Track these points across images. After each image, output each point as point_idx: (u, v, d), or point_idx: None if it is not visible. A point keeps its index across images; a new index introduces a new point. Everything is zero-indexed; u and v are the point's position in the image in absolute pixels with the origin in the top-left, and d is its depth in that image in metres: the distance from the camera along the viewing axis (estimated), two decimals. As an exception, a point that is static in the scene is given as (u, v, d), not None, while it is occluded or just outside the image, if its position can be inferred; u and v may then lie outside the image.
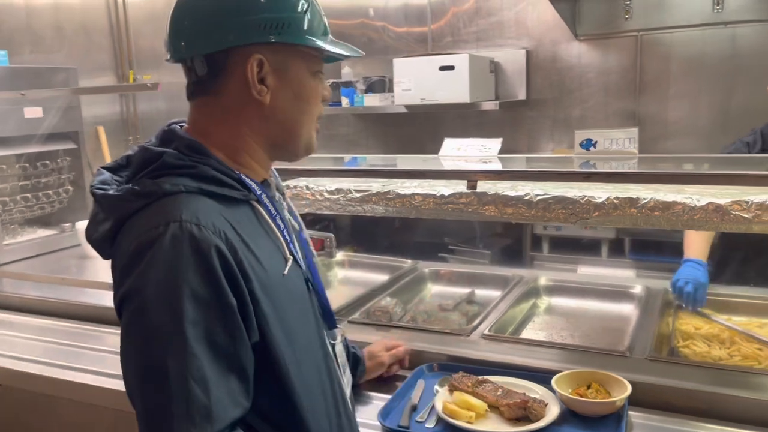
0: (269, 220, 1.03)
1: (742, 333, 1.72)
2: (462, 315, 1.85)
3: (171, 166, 0.96)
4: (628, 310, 1.94)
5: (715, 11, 2.92)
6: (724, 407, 1.32)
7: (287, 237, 1.06)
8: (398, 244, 3.57)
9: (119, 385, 1.60)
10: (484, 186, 1.69)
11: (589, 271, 3.12)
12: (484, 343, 1.65)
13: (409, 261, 2.34)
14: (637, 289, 1.99)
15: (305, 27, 1.00)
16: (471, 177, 1.60)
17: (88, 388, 1.64)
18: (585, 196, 1.56)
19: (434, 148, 4.00)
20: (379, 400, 1.45)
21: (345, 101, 3.82)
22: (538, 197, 1.60)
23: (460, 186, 1.70)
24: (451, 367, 1.52)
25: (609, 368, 1.43)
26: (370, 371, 1.51)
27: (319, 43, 1.02)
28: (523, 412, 1.29)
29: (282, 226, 1.06)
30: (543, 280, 2.12)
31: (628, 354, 1.54)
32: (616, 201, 1.52)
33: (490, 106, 3.49)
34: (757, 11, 3.19)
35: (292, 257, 1.04)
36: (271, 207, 1.05)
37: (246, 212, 1.00)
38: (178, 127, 1.05)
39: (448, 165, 1.86)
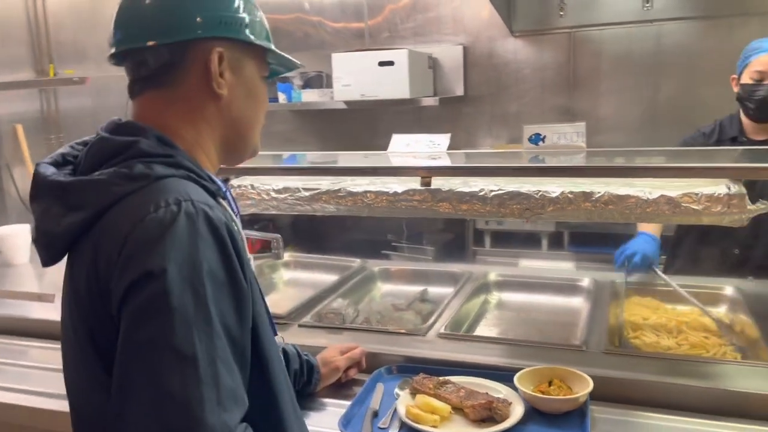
0: (235, 218, 1.00)
1: (695, 305, 1.79)
2: (416, 314, 1.82)
3: (148, 153, 0.90)
4: (577, 302, 1.96)
5: (645, 9, 3.00)
6: (679, 397, 1.34)
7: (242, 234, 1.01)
8: (341, 242, 3.51)
9: (48, 404, 1.50)
10: (437, 182, 1.66)
11: (531, 264, 3.17)
12: (441, 343, 1.62)
13: (358, 260, 2.29)
14: (585, 281, 2.01)
15: (261, 30, 1.03)
16: (426, 174, 1.57)
17: (10, 408, 1.52)
18: (539, 191, 1.55)
19: (374, 145, 3.94)
20: (337, 407, 1.39)
21: (282, 97, 3.72)
22: (493, 193, 1.58)
23: (413, 183, 1.67)
24: (410, 368, 1.48)
25: (566, 363, 1.43)
26: (326, 378, 1.46)
27: (274, 48, 1.05)
28: (488, 413, 1.27)
29: (241, 226, 1.01)
30: (492, 276, 2.12)
31: (584, 348, 1.54)
32: (570, 195, 1.52)
33: (430, 102, 3.48)
34: (682, 9, 3.31)
35: (251, 257, 1.00)
36: (234, 205, 1.04)
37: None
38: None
39: (398, 161, 1.82)
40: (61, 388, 1.00)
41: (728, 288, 1.90)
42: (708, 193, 1.41)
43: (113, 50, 0.98)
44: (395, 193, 1.66)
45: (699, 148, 2.06)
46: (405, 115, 3.82)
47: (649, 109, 3.50)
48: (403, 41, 3.75)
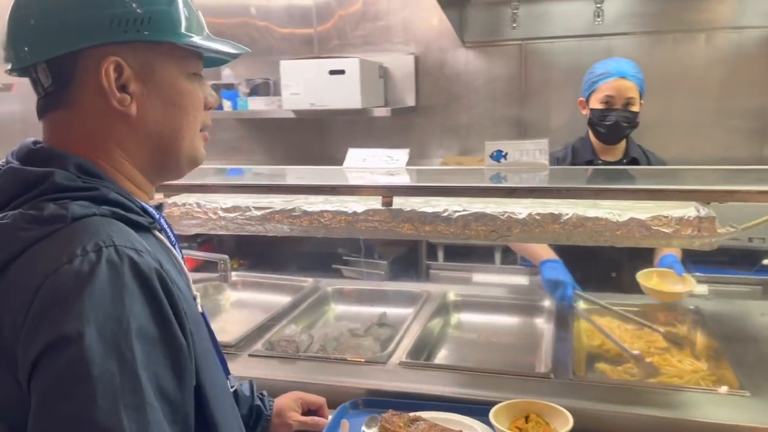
0: (172, 249, 0.88)
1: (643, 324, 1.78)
2: (375, 340, 1.72)
3: (65, 188, 0.76)
4: (539, 324, 1.91)
5: (596, 23, 3.01)
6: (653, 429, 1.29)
7: (184, 268, 0.89)
8: (289, 255, 3.38)
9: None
10: (397, 201, 1.57)
11: (485, 279, 3.12)
12: (403, 372, 1.53)
13: (310, 280, 2.17)
14: (546, 302, 1.96)
15: (170, 21, 0.84)
16: (388, 194, 1.48)
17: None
18: (505, 212, 1.48)
19: (324, 156, 3.86)
20: (297, 447, 1.28)
21: (227, 105, 3.57)
22: (457, 214, 1.51)
23: (372, 202, 1.57)
24: (376, 402, 1.38)
25: (536, 392, 1.37)
26: (275, 429, 1.29)
27: (188, 39, 0.85)
28: (462, 454, 1.19)
29: (181, 255, 0.90)
30: (451, 296, 2.04)
31: (551, 376, 1.48)
32: (537, 217, 1.46)
33: (381, 112, 3.40)
34: (631, 24, 3.35)
35: (198, 294, 0.89)
36: (171, 234, 0.91)
37: (151, 242, 0.83)
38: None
39: (356, 178, 1.72)
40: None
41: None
42: (678, 216, 1.37)
43: (6, 69, 0.84)
44: (354, 213, 1.56)
45: (664, 168, 2.05)
46: (355, 125, 3.73)
47: (598, 122, 3.52)
48: (354, 49, 3.66)
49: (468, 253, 3.26)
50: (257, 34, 3.77)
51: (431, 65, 3.67)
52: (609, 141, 2.17)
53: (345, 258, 3.33)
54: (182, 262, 0.89)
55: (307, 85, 3.26)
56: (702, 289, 2.84)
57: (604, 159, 2.21)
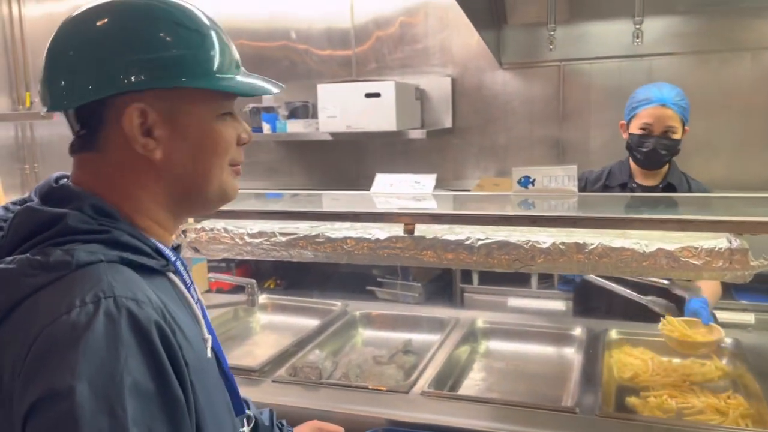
0: (185, 292, 0.87)
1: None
2: (398, 368, 1.70)
3: (77, 231, 0.77)
4: (569, 353, 1.86)
5: (635, 44, 2.95)
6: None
7: (204, 312, 0.90)
8: (324, 277, 3.40)
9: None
10: (420, 228, 1.57)
11: (520, 303, 3.07)
12: (425, 402, 1.51)
13: (339, 303, 2.18)
14: (577, 331, 1.91)
15: (198, 65, 0.83)
16: (410, 221, 1.47)
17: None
18: (529, 240, 1.46)
19: (361, 176, 3.88)
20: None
21: (266, 127, 3.64)
22: (480, 242, 1.49)
23: (396, 228, 1.58)
24: (394, 433, 1.37)
25: (560, 428, 1.33)
26: None
27: (218, 82, 0.84)
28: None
29: (196, 298, 0.90)
30: (479, 323, 2.01)
31: (576, 410, 1.44)
32: (562, 246, 1.44)
33: (417, 134, 3.41)
34: (672, 44, 3.28)
35: (210, 337, 0.87)
36: (186, 276, 0.90)
37: (164, 284, 0.84)
38: (71, 183, 0.85)
39: (381, 204, 1.72)
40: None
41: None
42: (708, 247, 1.33)
43: (43, 110, 0.86)
44: (377, 240, 1.57)
45: (697, 195, 1.98)
46: (392, 147, 3.75)
47: (639, 144, 3.44)
48: (391, 71, 3.69)
49: (503, 276, 3.21)
50: (297, 57, 3.84)
51: (468, 87, 3.67)
52: (646, 167, 2.14)
53: (380, 280, 3.33)
54: (194, 305, 0.88)
55: (344, 108, 3.30)
56: (748, 318, 2.74)
57: (640, 183, 2.17)
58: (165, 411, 0.71)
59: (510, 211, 1.60)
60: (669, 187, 2.13)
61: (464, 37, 3.59)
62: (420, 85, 3.61)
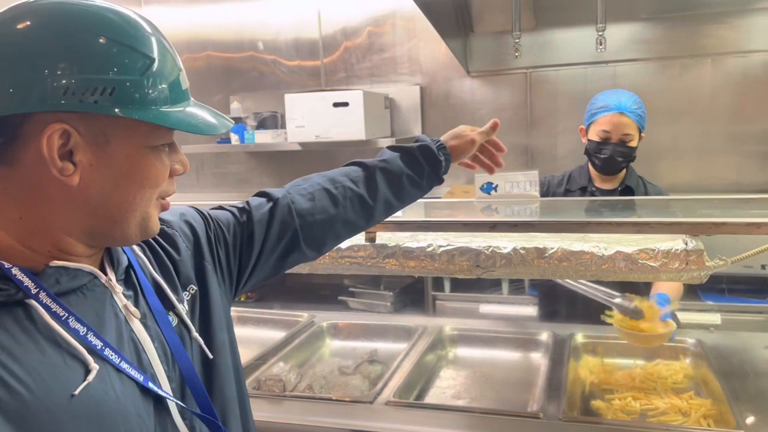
0: (50, 321, 0.73)
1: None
2: (364, 378, 1.69)
3: None
4: (536, 358, 1.86)
5: (599, 50, 2.99)
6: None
7: (92, 342, 0.75)
8: (295, 289, 3.38)
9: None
10: (383, 236, 1.56)
11: (491, 310, 3.08)
12: (388, 412, 1.50)
13: (305, 314, 2.16)
14: (544, 336, 1.92)
15: (137, 94, 0.73)
16: (370, 229, 1.46)
17: None
18: (490, 246, 1.47)
19: (330, 187, 3.83)
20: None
21: (235, 138, 3.61)
22: (442, 249, 1.49)
23: (357, 237, 1.56)
24: (355, 445, 1.36)
25: (523, 433, 1.32)
26: (458, 152, 1.33)
27: (155, 114, 0.74)
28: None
29: (84, 329, 0.75)
30: (448, 330, 2.01)
31: (541, 416, 1.44)
32: (522, 251, 1.44)
33: (386, 143, 3.41)
34: (634, 51, 3.33)
35: (97, 368, 0.73)
36: (56, 308, 0.74)
37: (13, 316, 0.71)
38: None
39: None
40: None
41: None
42: (665, 249, 1.34)
43: None
44: (338, 249, 1.55)
45: (656, 198, 2.01)
46: (362, 156, 3.67)
47: (606, 149, 3.48)
48: (360, 81, 3.69)
49: (474, 283, 3.22)
50: (265, 68, 3.83)
51: (437, 95, 3.68)
52: (604, 172, 2.17)
53: (351, 290, 3.31)
54: (64, 333, 0.73)
55: (312, 118, 3.29)
56: (714, 318, 2.77)
57: (599, 186, 2.21)
58: None
59: (471, 218, 1.60)
60: (627, 190, 2.16)
61: (432, 46, 3.61)
62: (389, 94, 3.61)
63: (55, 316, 0.74)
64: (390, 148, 1.30)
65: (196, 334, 0.91)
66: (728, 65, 3.23)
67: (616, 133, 2.08)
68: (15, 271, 0.73)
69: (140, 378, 0.78)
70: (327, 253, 1.55)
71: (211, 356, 0.91)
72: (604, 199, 1.97)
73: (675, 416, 1.48)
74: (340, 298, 3.29)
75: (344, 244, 1.55)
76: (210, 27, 3.98)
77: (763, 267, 2.78)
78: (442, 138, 1.32)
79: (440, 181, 1.32)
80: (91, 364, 0.73)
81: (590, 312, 1.97)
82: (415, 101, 3.66)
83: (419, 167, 1.26)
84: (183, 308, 0.91)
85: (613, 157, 2.08)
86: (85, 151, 0.73)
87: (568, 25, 3.37)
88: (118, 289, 0.83)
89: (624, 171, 2.18)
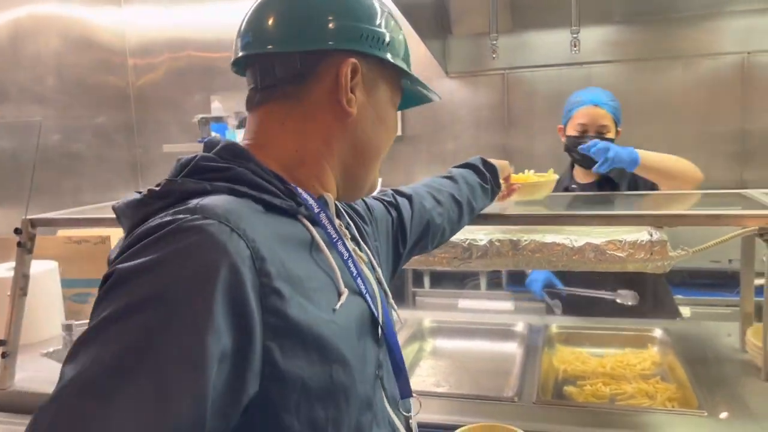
0: (324, 246, 0.81)
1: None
2: (347, 367, 1.75)
3: (203, 169, 0.78)
4: (511, 348, 1.93)
5: (573, 52, 3.08)
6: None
7: (351, 268, 0.85)
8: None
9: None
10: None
11: (469, 305, 3.15)
12: (371, 398, 1.56)
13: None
14: (519, 326, 1.99)
15: (402, 51, 0.92)
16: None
17: None
18: (467, 239, 1.53)
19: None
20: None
21: (216, 137, 3.63)
22: (421, 241, 1.55)
23: (340, 231, 1.62)
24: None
25: (500, 416, 1.39)
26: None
27: (410, 72, 0.93)
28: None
29: (346, 254, 0.85)
30: (427, 323, 2.07)
31: (516, 400, 1.51)
32: (497, 243, 1.51)
33: (366, 142, 3.46)
34: (608, 53, 3.44)
35: (346, 291, 0.80)
36: (331, 229, 0.85)
37: (295, 228, 0.80)
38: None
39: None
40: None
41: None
42: (631, 240, 1.42)
43: (240, 54, 0.88)
44: (322, 243, 1.61)
45: (618, 193, 2.10)
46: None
47: (581, 148, 3.58)
48: (340, 81, 3.74)
49: (453, 279, 3.30)
50: (247, 68, 3.86)
51: (416, 95, 3.75)
52: (585, 165, 2.23)
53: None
54: (329, 255, 0.80)
55: (293, 117, 3.33)
56: (685, 311, 2.87)
57: (579, 182, 2.28)
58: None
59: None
60: (605, 181, 2.22)
61: (411, 47, 3.63)
62: (369, 94, 3.67)
63: (328, 238, 0.84)
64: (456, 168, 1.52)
65: (392, 301, 0.99)
66: (699, 67, 3.34)
67: (592, 125, 2.16)
68: (300, 190, 0.83)
69: (375, 312, 0.86)
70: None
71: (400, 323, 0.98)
72: (576, 195, 2.04)
73: (642, 399, 1.55)
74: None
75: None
76: (190, 27, 4.01)
77: (730, 261, 2.89)
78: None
79: (500, 186, 1.51)
80: (341, 287, 0.80)
81: (601, 306, 2.06)
82: (395, 101, 3.72)
83: (484, 176, 1.47)
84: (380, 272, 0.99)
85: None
86: (362, 90, 0.87)
87: (544, 28, 3.47)
88: (348, 236, 0.92)
89: None
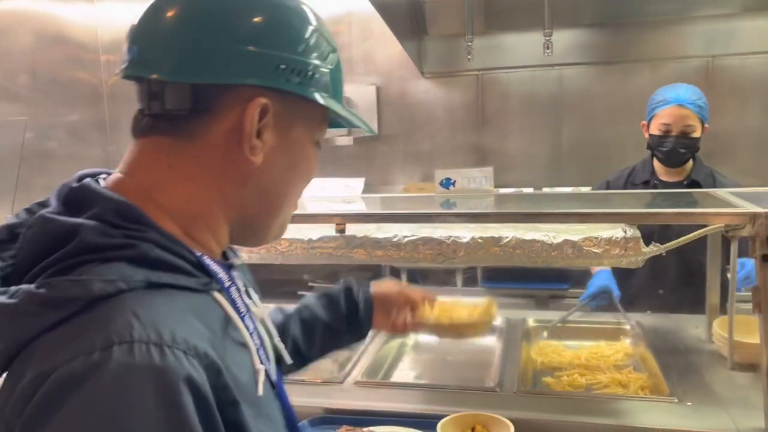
0: (232, 314, 0.71)
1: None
2: (333, 361, 1.80)
3: (94, 247, 0.62)
4: (491, 342, 2.00)
5: (546, 54, 3.17)
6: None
7: (257, 340, 0.75)
8: (258, 283, 3.42)
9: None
10: (351, 228, 1.66)
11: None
12: (358, 390, 1.61)
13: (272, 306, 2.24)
14: (498, 321, 2.06)
15: (329, 84, 0.75)
16: (341, 221, 1.57)
17: None
18: (451, 236, 1.59)
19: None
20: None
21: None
22: (407, 239, 1.61)
23: (327, 229, 1.67)
24: (332, 420, 1.45)
25: (482, 405, 1.45)
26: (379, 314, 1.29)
27: (337, 107, 0.77)
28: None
29: (252, 326, 0.75)
30: (408, 318, 2.12)
31: (497, 390, 1.57)
32: (480, 240, 1.57)
33: (344, 141, 3.51)
34: (579, 55, 3.54)
35: (263, 368, 0.72)
36: (239, 301, 0.74)
37: (208, 304, 0.70)
38: (95, 181, 0.71)
39: (312, 206, 1.81)
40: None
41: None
42: (606, 237, 1.49)
43: (123, 66, 0.72)
44: (310, 240, 1.65)
45: (597, 192, 2.18)
46: (321, 154, 3.81)
47: (553, 148, 3.68)
48: (317, 80, 3.77)
49: (430, 276, 3.36)
50: (223, 67, 3.87)
51: (392, 95, 3.81)
52: (668, 165, 2.29)
53: (310, 284, 3.40)
54: (243, 329, 0.72)
55: (271, 116, 3.35)
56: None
57: (663, 180, 2.33)
58: None
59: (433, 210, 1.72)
60: (693, 184, 2.27)
61: (387, 47, 3.72)
62: (345, 94, 3.70)
63: (237, 311, 0.72)
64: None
65: (277, 340, 0.86)
66: (666, 70, 3.45)
67: (676, 125, 2.19)
68: (206, 259, 0.71)
69: (274, 377, 0.78)
70: (299, 245, 1.66)
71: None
72: (554, 194, 2.12)
73: (616, 388, 1.64)
74: (300, 293, 3.37)
75: (315, 236, 1.65)
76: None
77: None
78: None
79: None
80: (257, 364, 0.72)
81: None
82: (371, 100, 3.78)
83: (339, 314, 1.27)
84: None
85: (675, 149, 2.19)
86: (273, 131, 0.72)
87: (518, 30, 3.55)
88: (243, 288, 0.79)
89: (691, 163, 2.29)
